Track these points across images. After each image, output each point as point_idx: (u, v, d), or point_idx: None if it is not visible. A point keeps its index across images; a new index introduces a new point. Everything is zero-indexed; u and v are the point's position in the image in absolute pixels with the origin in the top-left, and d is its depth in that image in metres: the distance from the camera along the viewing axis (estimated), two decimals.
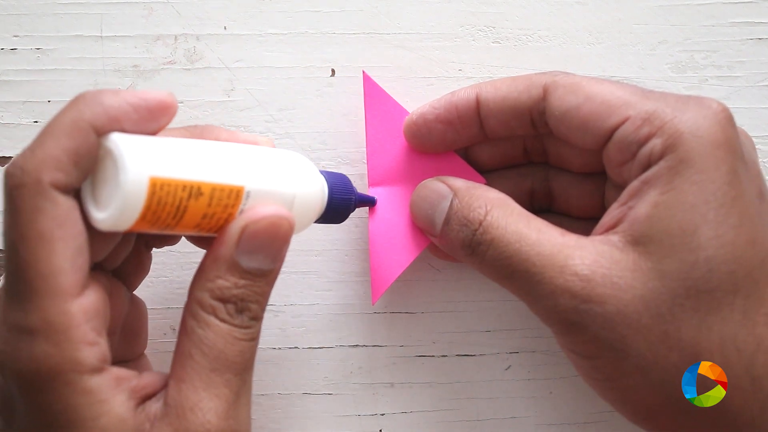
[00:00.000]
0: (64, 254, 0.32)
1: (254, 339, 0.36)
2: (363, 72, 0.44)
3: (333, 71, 0.47)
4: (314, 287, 0.46)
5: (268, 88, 0.46)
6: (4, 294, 0.33)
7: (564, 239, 0.38)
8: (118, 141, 0.32)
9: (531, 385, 0.46)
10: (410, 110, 0.43)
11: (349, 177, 0.46)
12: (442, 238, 0.41)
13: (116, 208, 0.32)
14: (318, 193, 0.38)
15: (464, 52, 0.47)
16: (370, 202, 0.44)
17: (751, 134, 0.40)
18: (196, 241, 0.39)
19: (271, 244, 0.35)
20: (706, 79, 0.47)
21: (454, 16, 0.47)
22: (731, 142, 0.36)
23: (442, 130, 0.42)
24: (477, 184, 0.41)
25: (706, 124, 0.36)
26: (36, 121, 0.46)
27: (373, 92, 0.44)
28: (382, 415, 0.46)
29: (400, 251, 0.44)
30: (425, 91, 0.46)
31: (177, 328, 0.45)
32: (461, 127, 0.42)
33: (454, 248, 0.40)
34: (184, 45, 0.46)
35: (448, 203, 0.40)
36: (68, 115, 0.32)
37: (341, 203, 0.40)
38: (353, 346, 0.46)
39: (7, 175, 0.32)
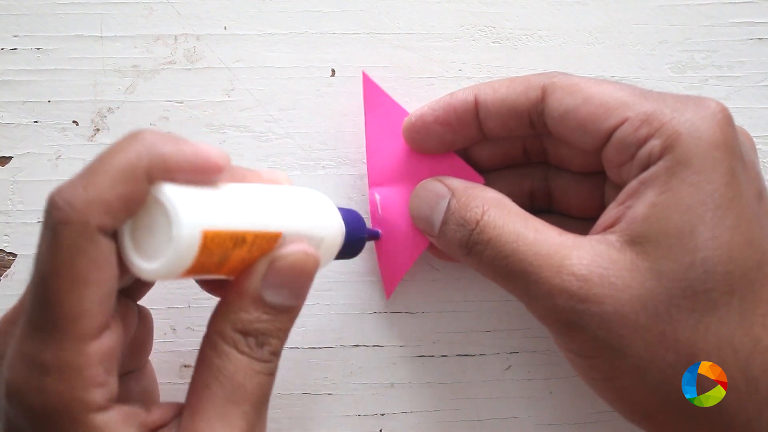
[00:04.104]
0: (95, 298, 0.32)
1: (272, 374, 0.36)
2: (363, 72, 0.44)
3: (333, 71, 0.47)
4: (314, 287, 0.45)
5: (268, 88, 0.46)
6: (26, 324, 0.32)
7: (561, 239, 0.38)
8: (170, 194, 0.32)
9: (531, 385, 0.46)
10: (410, 110, 0.43)
11: (350, 177, 0.46)
12: (441, 238, 0.41)
13: (168, 262, 0.31)
14: (339, 235, 0.39)
15: (464, 52, 0.47)
16: (375, 236, 0.44)
17: (751, 134, 0.40)
18: (208, 286, 0.39)
19: (296, 280, 0.35)
20: (706, 79, 0.47)
21: (454, 16, 0.47)
22: (729, 143, 0.36)
23: (441, 132, 0.42)
24: (475, 184, 0.41)
25: (705, 124, 0.36)
26: (36, 121, 0.46)
27: (372, 93, 0.44)
28: (382, 415, 0.46)
29: (403, 250, 0.44)
30: (425, 91, 0.46)
31: (177, 328, 0.45)
32: (460, 129, 0.42)
33: (452, 248, 0.40)
34: (184, 45, 0.46)
35: (446, 203, 0.41)
36: (125, 156, 0.32)
37: (356, 242, 0.41)
38: (353, 346, 0.46)
39: (54, 207, 0.31)
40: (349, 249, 0.41)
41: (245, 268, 0.35)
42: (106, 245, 0.32)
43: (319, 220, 0.37)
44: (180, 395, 0.45)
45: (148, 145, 0.32)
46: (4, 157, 0.46)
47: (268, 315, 0.35)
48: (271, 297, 0.35)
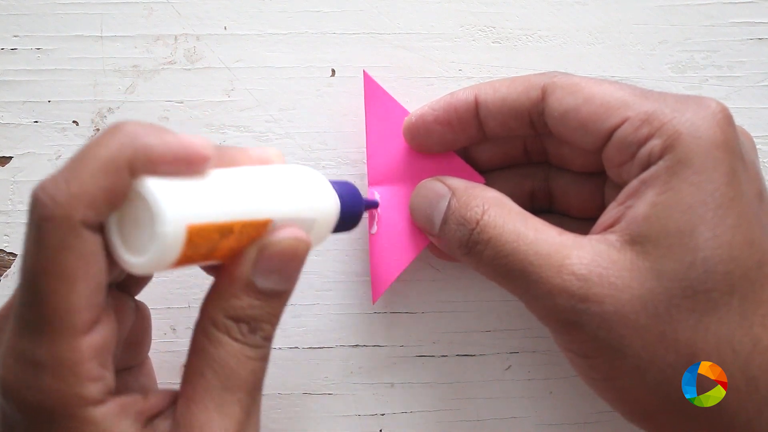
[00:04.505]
0: (84, 292, 0.31)
1: (265, 359, 0.36)
2: (363, 71, 0.44)
3: (333, 71, 0.47)
4: (314, 287, 0.46)
5: (268, 88, 0.46)
6: (16, 322, 0.32)
7: (561, 238, 0.38)
8: (153, 189, 0.31)
9: (531, 385, 0.46)
10: (410, 110, 0.43)
11: (350, 177, 0.46)
12: (441, 237, 0.41)
13: (153, 257, 0.31)
14: (333, 212, 0.38)
15: (464, 52, 0.47)
16: (374, 205, 0.44)
17: (751, 134, 0.40)
18: (207, 267, 0.39)
19: (287, 265, 0.35)
20: (706, 79, 0.47)
21: (454, 16, 0.47)
22: (730, 143, 0.36)
23: (441, 132, 0.42)
24: (475, 184, 0.41)
25: (705, 124, 0.36)
26: (36, 121, 0.46)
27: (373, 92, 0.44)
28: (382, 415, 0.46)
29: (400, 251, 0.44)
30: (425, 91, 0.46)
31: (177, 328, 0.45)
32: (460, 129, 0.42)
33: (452, 248, 0.40)
34: (184, 45, 0.46)
35: (446, 203, 0.41)
36: (107, 149, 0.31)
37: (352, 216, 0.41)
38: (353, 346, 0.46)
39: (37, 203, 0.31)
40: (345, 224, 0.40)
41: (235, 255, 0.34)
42: (92, 239, 0.31)
43: (311, 201, 0.37)
44: None
45: (131, 137, 0.32)
46: (4, 157, 0.46)
47: (259, 301, 0.35)
48: (262, 283, 0.35)
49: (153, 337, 0.41)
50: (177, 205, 0.31)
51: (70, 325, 0.31)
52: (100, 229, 0.32)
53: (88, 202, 0.31)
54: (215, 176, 0.34)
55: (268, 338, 0.35)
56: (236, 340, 0.34)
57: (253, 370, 0.35)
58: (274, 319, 0.35)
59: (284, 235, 0.35)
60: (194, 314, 0.44)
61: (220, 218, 0.33)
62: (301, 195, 0.36)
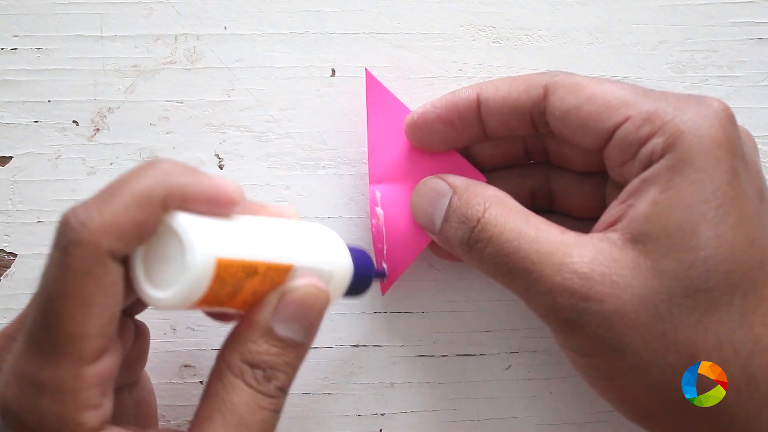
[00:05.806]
0: (99, 321, 0.31)
1: (278, 411, 0.35)
2: (365, 69, 0.44)
3: (333, 71, 0.47)
4: None
5: (268, 88, 0.46)
6: (25, 340, 0.32)
7: (563, 237, 0.37)
8: (184, 223, 0.32)
9: (531, 385, 0.46)
10: (412, 110, 0.43)
11: (350, 177, 0.46)
12: (442, 235, 0.41)
13: (181, 290, 0.31)
14: (348, 270, 0.38)
15: (464, 52, 0.47)
16: (382, 276, 0.44)
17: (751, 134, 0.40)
18: (216, 314, 0.38)
19: (306, 314, 0.35)
20: (707, 79, 0.47)
21: (454, 16, 0.47)
22: (732, 142, 0.36)
23: (443, 130, 0.42)
24: (476, 182, 0.41)
25: (707, 123, 0.36)
26: (36, 121, 0.46)
27: (375, 89, 0.44)
28: (382, 415, 0.46)
29: (403, 248, 0.44)
30: (425, 91, 0.46)
31: (177, 327, 0.45)
32: (462, 127, 0.42)
33: (453, 246, 0.40)
34: (184, 45, 0.46)
35: (447, 201, 0.41)
36: (142, 183, 0.32)
37: (364, 281, 0.41)
38: (353, 346, 0.46)
39: (67, 226, 0.31)
40: (357, 287, 0.40)
41: (256, 302, 0.35)
42: (115, 270, 0.32)
43: (329, 256, 0.37)
44: (180, 395, 0.45)
45: (166, 174, 0.32)
46: (4, 157, 0.46)
47: (277, 348, 0.35)
48: (281, 330, 0.35)
49: (153, 338, 0.41)
50: (207, 239, 0.32)
51: (79, 352, 0.31)
52: (124, 261, 0.32)
53: (117, 232, 0.31)
54: (242, 220, 0.34)
55: (283, 389, 0.35)
56: (249, 385, 0.34)
57: (263, 420, 0.34)
58: (290, 370, 0.35)
59: (304, 283, 0.35)
60: (194, 314, 0.45)
61: (247, 257, 0.33)
62: (321, 248, 0.37)
